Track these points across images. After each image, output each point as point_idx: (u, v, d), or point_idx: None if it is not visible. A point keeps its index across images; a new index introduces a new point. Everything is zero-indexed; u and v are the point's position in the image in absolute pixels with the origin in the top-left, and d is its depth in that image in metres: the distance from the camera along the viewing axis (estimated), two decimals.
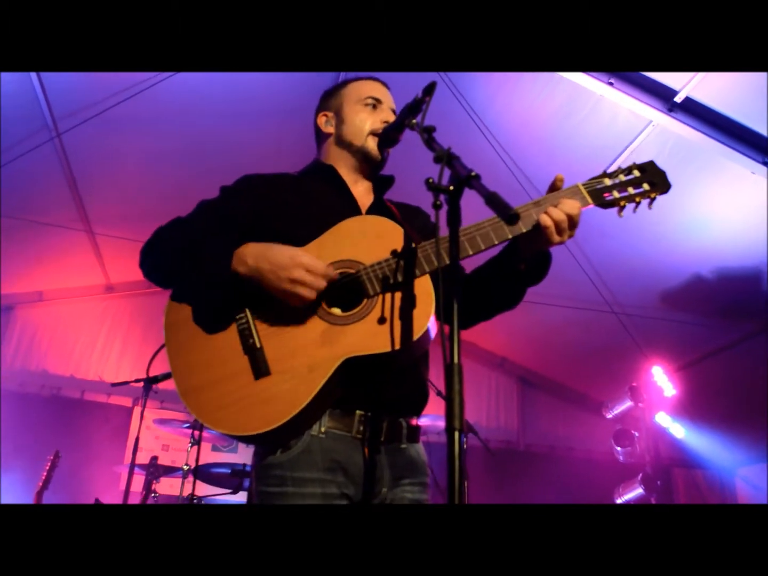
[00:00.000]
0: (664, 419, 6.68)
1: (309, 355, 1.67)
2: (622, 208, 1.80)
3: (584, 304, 6.26)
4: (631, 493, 6.47)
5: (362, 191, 2.04)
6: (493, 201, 1.28)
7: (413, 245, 1.72)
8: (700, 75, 3.94)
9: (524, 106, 4.70)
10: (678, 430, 6.73)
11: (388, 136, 1.95)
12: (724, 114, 4.17)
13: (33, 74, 4.37)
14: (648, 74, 4.10)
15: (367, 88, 2.09)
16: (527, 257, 1.80)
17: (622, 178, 1.81)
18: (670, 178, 1.80)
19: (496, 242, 1.72)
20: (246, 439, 1.70)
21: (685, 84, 4.04)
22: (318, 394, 1.63)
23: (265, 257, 1.68)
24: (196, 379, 1.74)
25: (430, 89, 1.69)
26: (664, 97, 4.15)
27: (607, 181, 1.80)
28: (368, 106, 2.05)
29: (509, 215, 1.23)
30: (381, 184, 2.11)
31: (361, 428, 1.72)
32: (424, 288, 1.68)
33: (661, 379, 6.54)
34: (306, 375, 1.64)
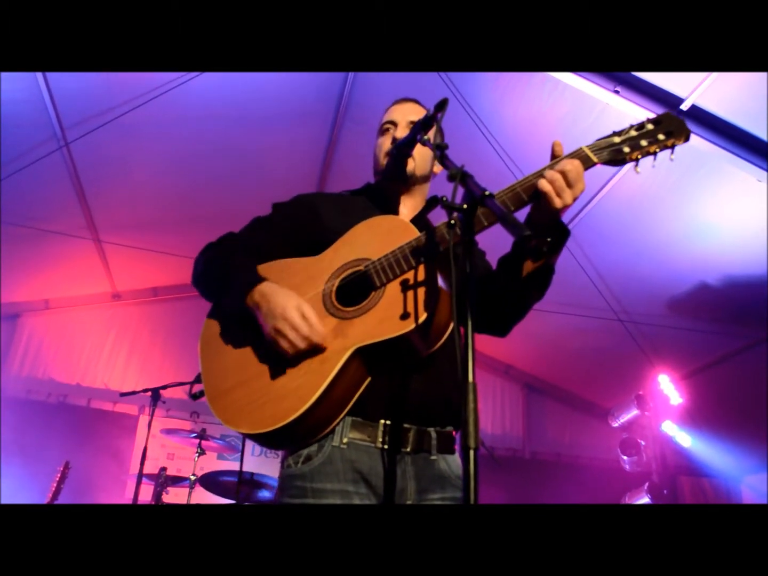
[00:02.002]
0: (670, 428, 6.66)
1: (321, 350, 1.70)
2: (637, 162, 1.68)
3: (590, 312, 6.25)
4: (638, 502, 6.46)
5: (406, 212, 2.05)
6: (507, 220, 1.28)
7: (417, 234, 1.72)
8: (707, 83, 3.95)
9: (530, 114, 4.72)
10: (684, 438, 6.70)
11: (400, 151, 1.94)
12: (730, 122, 4.17)
13: (42, 82, 4.40)
14: (654, 82, 4.11)
15: (385, 117, 2.14)
16: (542, 233, 1.71)
17: (634, 133, 1.69)
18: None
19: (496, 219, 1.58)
20: (265, 438, 1.70)
21: (692, 92, 4.05)
22: (331, 384, 1.63)
23: (267, 299, 1.73)
24: (220, 386, 1.79)
25: (441, 105, 1.69)
26: (670, 104, 4.14)
27: (616, 139, 1.69)
28: (384, 132, 2.09)
29: (523, 235, 1.23)
30: (427, 205, 2.09)
31: (386, 438, 1.70)
32: (429, 272, 1.68)
33: (668, 387, 6.52)
34: (318, 368, 1.66)
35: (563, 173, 1.60)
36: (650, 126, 1.69)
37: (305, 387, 1.64)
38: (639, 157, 1.68)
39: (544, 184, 1.60)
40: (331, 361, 1.66)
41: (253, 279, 1.79)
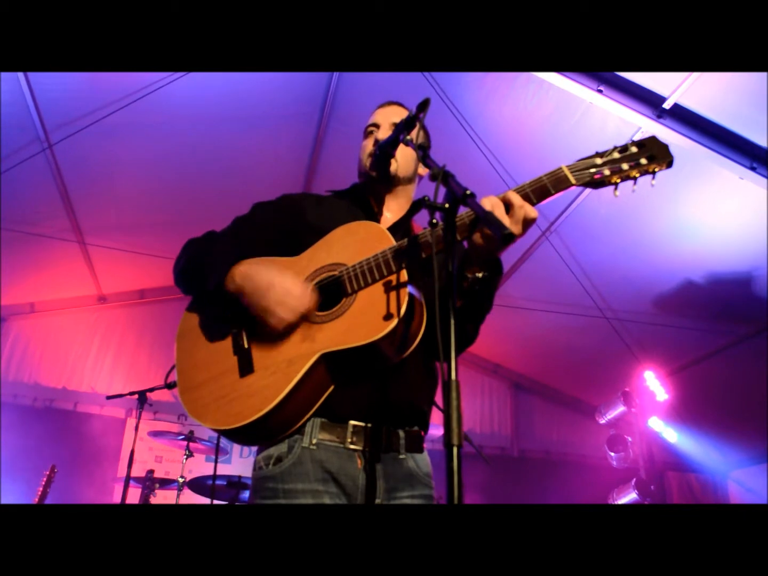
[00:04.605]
0: (656, 424, 6.70)
1: (289, 351, 1.72)
2: (616, 185, 1.65)
3: (577, 310, 6.28)
4: (626, 498, 6.49)
5: (390, 215, 2.05)
6: (488, 219, 1.30)
7: (394, 242, 1.74)
8: (689, 81, 3.98)
9: (515, 114, 4.73)
10: (671, 434, 6.75)
11: (384, 151, 1.94)
12: (712, 120, 4.21)
13: (24, 85, 4.37)
14: (637, 81, 4.13)
15: (370, 120, 2.14)
16: (480, 264, 1.72)
17: (616, 155, 1.66)
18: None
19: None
20: (232, 434, 1.74)
21: (674, 90, 4.08)
22: (296, 386, 1.66)
23: (249, 278, 1.76)
24: (192, 380, 1.83)
25: (423, 106, 1.69)
26: (652, 103, 4.18)
27: (598, 161, 1.66)
28: (368, 135, 2.10)
29: (504, 234, 1.24)
30: (412, 207, 2.09)
31: (354, 438, 1.73)
32: (399, 282, 1.70)
33: (654, 383, 6.56)
34: (285, 369, 1.69)
35: (508, 202, 1.61)
36: (634, 149, 1.67)
37: (271, 387, 1.68)
38: (618, 181, 1.65)
39: (485, 202, 1.60)
40: (298, 364, 1.69)
41: (232, 258, 1.81)
